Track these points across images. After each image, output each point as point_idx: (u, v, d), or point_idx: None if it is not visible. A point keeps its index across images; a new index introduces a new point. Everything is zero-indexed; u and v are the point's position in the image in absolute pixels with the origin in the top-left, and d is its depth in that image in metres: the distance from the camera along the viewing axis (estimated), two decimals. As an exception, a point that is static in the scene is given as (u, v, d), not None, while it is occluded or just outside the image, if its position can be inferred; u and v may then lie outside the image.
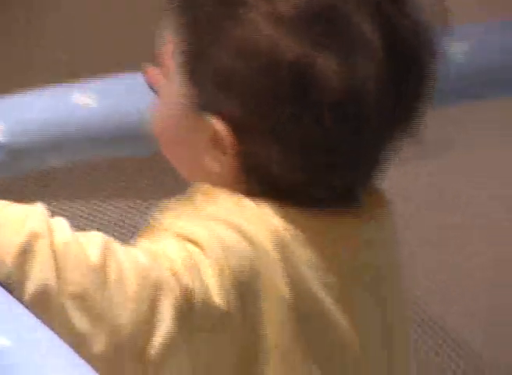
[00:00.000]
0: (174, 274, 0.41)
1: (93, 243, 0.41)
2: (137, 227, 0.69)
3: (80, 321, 0.39)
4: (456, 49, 0.68)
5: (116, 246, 0.42)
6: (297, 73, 0.45)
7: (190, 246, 0.43)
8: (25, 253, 0.39)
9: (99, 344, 0.39)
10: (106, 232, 0.44)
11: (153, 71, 0.53)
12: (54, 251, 0.39)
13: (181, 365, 0.42)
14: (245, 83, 0.46)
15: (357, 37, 0.45)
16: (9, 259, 0.39)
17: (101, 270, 0.40)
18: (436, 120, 0.74)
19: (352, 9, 0.45)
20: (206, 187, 0.48)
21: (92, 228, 0.61)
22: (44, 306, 0.38)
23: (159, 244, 0.44)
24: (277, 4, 0.45)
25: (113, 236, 0.44)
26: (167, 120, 0.53)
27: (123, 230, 0.85)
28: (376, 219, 0.51)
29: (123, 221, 0.86)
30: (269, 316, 0.45)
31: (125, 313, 0.39)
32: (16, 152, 0.67)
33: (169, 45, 0.51)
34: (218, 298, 0.42)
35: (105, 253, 0.41)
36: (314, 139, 0.46)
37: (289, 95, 0.45)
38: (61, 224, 0.42)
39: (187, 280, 0.42)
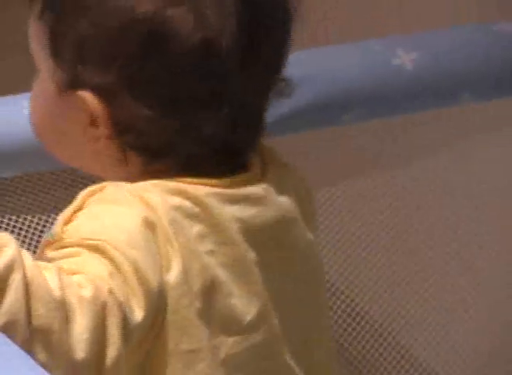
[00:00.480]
0: (110, 293, 0.42)
1: (50, 275, 0.41)
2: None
3: (41, 352, 0.39)
4: (405, 58, 0.70)
5: (67, 279, 0.42)
6: (155, 29, 0.46)
7: (104, 261, 0.44)
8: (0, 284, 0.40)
9: (58, 371, 0.40)
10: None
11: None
12: (25, 285, 0.39)
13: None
14: (103, 48, 0.47)
15: None
16: None
17: (62, 306, 0.40)
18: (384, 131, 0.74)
19: None
20: (88, 191, 0.48)
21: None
22: (10, 336, 0.37)
23: (84, 265, 0.44)
24: None
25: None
26: (40, 109, 0.53)
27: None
28: (268, 179, 0.51)
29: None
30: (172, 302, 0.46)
31: (81, 344, 0.40)
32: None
33: (34, 36, 0.51)
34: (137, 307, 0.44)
35: (63, 286, 0.41)
36: (179, 94, 0.47)
37: (148, 52, 0.47)
38: (25, 254, 0.42)
39: (119, 296, 0.43)
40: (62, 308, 0.40)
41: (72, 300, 0.41)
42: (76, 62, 0.48)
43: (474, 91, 0.72)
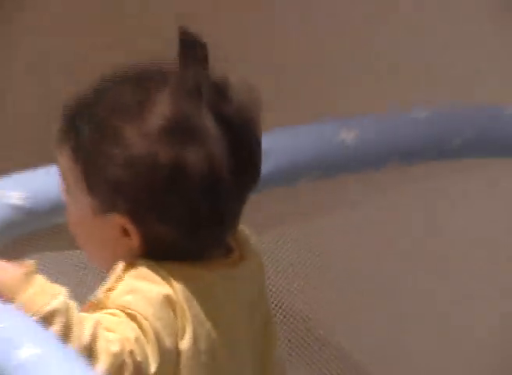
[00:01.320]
0: (131, 353, 0.54)
1: (88, 325, 0.53)
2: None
3: None
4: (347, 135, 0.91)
5: (102, 332, 0.54)
6: (173, 169, 0.58)
7: (135, 326, 0.56)
8: (48, 318, 0.52)
9: None
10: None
11: (60, 185, 0.66)
12: (65, 328, 0.52)
13: None
14: (132, 186, 0.58)
15: (205, 134, 0.58)
16: (38, 314, 0.52)
17: (87, 351, 0.52)
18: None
19: (197, 114, 0.59)
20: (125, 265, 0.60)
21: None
22: None
23: (118, 327, 0.56)
24: (144, 124, 0.58)
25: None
26: (77, 225, 0.65)
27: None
28: (245, 257, 0.66)
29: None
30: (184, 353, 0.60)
31: None
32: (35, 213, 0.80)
33: (66, 169, 0.63)
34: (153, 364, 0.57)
35: (95, 336, 0.53)
36: (194, 215, 0.60)
37: (166, 187, 0.58)
38: (73, 305, 0.54)
39: (138, 356, 0.55)
40: (86, 353, 0.52)
41: (99, 350, 0.52)
42: (110, 195, 0.59)
43: (402, 158, 0.94)
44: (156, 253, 0.61)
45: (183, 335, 0.59)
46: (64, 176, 0.64)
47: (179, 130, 0.58)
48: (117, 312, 0.57)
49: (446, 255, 1.10)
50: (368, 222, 0.99)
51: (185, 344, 0.59)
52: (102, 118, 0.60)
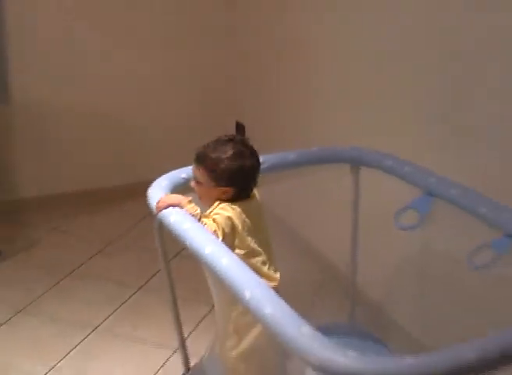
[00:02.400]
0: (218, 229, 1.58)
1: (206, 220, 1.60)
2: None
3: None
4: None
5: (210, 221, 1.59)
6: (250, 169, 1.66)
7: (216, 224, 1.58)
8: (196, 216, 1.60)
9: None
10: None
11: (193, 182, 1.70)
12: (200, 220, 1.60)
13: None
14: (229, 176, 1.63)
15: (246, 155, 1.64)
16: (195, 214, 1.60)
17: (208, 225, 1.57)
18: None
19: (243, 149, 1.66)
20: (220, 204, 1.65)
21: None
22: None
23: (216, 220, 1.59)
24: (227, 153, 1.63)
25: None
26: (204, 194, 1.69)
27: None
28: (256, 198, 1.72)
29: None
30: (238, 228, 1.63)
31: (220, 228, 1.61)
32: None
33: (200, 175, 1.66)
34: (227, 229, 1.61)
35: (209, 222, 1.58)
36: (247, 183, 1.68)
37: (241, 174, 1.63)
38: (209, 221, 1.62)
39: (218, 231, 1.57)
40: (207, 227, 1.55)
41: (211, 226, 1.55)
42: (222, 181, 1.62)
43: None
44: (229, 198, 1.64)
45: (234, 227, 1.59)
46: (197, 178, 1.68)
47: (239, 154, 1.63)
48: (211, 219, 1.59)
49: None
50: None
51: (237, 228, 1.60)
52: (214, 156, 1.63)
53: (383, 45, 2.33)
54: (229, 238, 1.57)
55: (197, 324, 2.47)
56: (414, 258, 2.16)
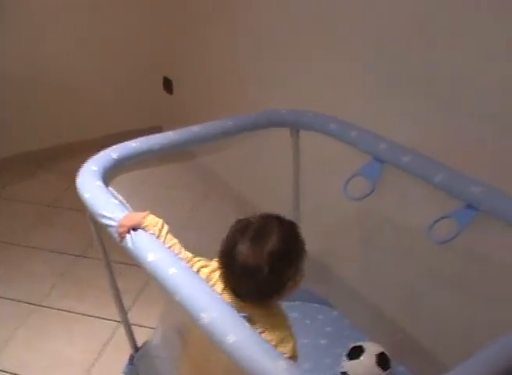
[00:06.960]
0: (201, 267, 1.40)
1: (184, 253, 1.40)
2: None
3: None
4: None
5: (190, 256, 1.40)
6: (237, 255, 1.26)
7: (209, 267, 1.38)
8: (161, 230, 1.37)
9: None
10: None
11: None
12: (159, 230, 1.38)
13: None
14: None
15: (263, 242, 1.25)
16: (154, 228, 1.36)
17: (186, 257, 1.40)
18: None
19: (241, 240, 1.26)
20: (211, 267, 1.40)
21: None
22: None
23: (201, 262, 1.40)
24: (259, 249, 1.24)
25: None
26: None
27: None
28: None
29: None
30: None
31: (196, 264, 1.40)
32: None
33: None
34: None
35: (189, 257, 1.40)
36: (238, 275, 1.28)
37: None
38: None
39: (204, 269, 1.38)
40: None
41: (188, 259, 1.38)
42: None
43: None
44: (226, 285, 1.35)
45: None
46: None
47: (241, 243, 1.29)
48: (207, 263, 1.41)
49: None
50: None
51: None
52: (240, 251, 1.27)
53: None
54: None
55: (141, 291, 2.49)
56: (361, 223, 2.07)
